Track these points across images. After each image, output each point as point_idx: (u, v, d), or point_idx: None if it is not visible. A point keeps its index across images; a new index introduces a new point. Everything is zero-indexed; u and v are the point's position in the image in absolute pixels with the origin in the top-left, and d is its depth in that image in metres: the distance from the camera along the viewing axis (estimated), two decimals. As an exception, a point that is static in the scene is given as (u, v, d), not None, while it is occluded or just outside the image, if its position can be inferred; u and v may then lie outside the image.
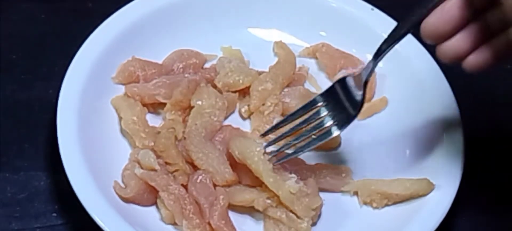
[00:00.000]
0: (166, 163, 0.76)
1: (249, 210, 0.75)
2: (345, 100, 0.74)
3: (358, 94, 0.73)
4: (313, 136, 0.75)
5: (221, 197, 0.74)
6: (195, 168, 0.77)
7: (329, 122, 0.74)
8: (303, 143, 0.75)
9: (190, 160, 0.77)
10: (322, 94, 0.76)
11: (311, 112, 0.75)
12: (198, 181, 0.75)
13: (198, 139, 0.78)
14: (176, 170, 0.76)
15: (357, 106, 0.73)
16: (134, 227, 0.70)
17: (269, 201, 0.74)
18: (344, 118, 0.74)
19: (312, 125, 0.75)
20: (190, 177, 0.75)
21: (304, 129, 0.75)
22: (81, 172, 0.72)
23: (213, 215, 0.73)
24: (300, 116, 0.76)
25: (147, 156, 0.75)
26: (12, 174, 0.77)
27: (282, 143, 0.76)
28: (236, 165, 0.77)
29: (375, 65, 0.73)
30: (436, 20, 0.66)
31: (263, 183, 0.74)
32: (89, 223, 0.70)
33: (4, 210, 0.75)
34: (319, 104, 0.75)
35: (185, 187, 0.75)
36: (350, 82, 0.74)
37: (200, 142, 0.77)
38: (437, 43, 0.67)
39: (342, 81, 0.75)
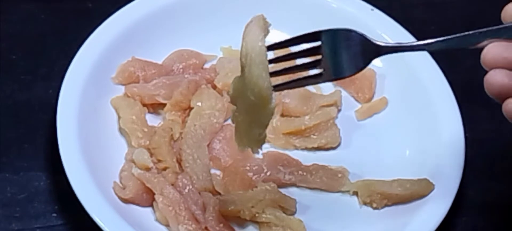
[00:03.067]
0: (158, 160, 0.76)
1: (238, 218, 0.75)
2: (346, 54, 0.66)
3: (363, 60, 0.67)
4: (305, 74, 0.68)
5: (212, 200, 0.74)
6: (182, 168, 0.77)
7: (321, 68, 0.67)
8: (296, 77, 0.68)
9: (181, 160, 0.77)
10: (326, 33, 0.67)
11: (310, 46, 0.67)
12: (181, 185, 0.75)
13: (194, 140, 0.78)
14: (166, 168, 0.76)
15: (355, 70, 0.67)
16: (134, 227, 0.70)
17: (254, 209, 0.74)
18: (337, 71, 0.67)
19: (305, 62, 0.68)
20: (176, 182, 0.75)
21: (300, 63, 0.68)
22: (81, 172, 0.72)
23: (210, 220, 0.73)
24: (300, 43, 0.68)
25: (142, 154, 0.75)
26: (12, 174, 0.77)
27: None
28: (225, 170, 0.78)
29: (401, 50, 0.68)
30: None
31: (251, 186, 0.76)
32: (89, 223, 0.70)
33: (4, 210, 0.75)
34: (319, 42, 0.66)
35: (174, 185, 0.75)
36: (361, 43, 0.67)
37: (194, 145, 0.78)
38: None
39: (353, 35, 0.66)
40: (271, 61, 0.64)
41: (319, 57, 0.66)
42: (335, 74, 0.67)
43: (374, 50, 0.67)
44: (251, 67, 0.62)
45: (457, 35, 0.65)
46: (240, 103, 0.66)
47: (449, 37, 0.65)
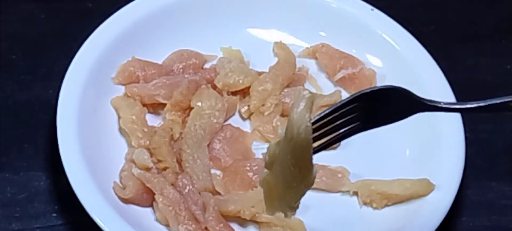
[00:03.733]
0: (158, 161, 0.76)
1: (239, 218, 0.75)
2: (387, 108, 0.66)
3: (405, 113, 0.66)
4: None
5: (212, 200, 0.74)
6: (182, 168, 0.77)
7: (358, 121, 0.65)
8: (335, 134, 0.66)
9: (181, 160, 0.77)
10: (369, 94, 0.65)
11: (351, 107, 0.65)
12: (181, 185, 0.75)
13: (194, 141, 0.78)
14: (166, 168, 0.76)
15: (395, 120, 0.66)
16: (134, 227, 0.70)
17: (254, 209, 0.74)
18: (375, 121, 0.66)
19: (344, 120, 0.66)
20: (176, 182, 0.75)
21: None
22: (81, 172, 0.72)
23: (210, 220, 0.73)
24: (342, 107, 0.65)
25: (142, 154, 0.75)
26: (12, 174, 0.77)
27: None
28: (225, 170, 0.78)
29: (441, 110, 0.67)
30: None
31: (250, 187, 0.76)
32: (89, 223, 0.70)
33: (4, 210, 0.75)
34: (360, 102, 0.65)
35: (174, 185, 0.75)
36: (406, 98, 0.65)
37: (194, 145, 0.78)
38: None
39: (397, 92, 0.65)
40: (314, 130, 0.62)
41: (357, 113, 0.65)
42: (373, 124, 0.66)
43: (417, 106, 0.66)
44: (296, 146, 0.61)
45: (502, 99, 0.65)
46: (277, 169, 0.64)
47: (494, 101, 0.65)
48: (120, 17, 0.84)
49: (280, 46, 0.88)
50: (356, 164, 0.80)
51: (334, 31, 0.89)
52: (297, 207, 0.66)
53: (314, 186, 0.78)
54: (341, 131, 0.65)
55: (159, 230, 0.73)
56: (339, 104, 0.65)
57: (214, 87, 0.83)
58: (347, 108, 0.65)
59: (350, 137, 0.66)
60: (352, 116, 0.65)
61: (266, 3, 0.89)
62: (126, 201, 0.74)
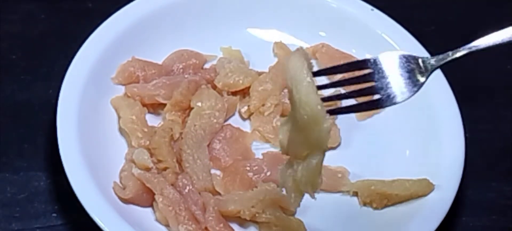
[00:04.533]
0: (158, 161, 0.76)
1: (239, 218, 0.75)
2: (399, 78, 0.66)
3: (418, 80, 0.66)
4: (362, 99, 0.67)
5: (212, 200, 0.74)
6: (182, 168, 0.77)
7: (377, 94, 0.65)
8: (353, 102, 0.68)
9: (181, 160, 0.77)
10: (372, 61, 0.67)
11: (361, 72, 0.66)
12: (181, 185, 0.75)
13: (194, 141, 0.78)
14: (166, 168, 0.76)
15: (411, 93, 0.66)
16: (134, 227, 0.70)
17: (254, 209, 0.74)
18: (391, 96, 0.66)
19: (361, 87, 0.67)
20: (176, 182, 0.75)
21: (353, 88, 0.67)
22: (81, 172, 0.72)
23: (210, 220, 0.73)
24: (350, 71, 0.68)
25: (142, 154, 0.75)
26: (12, 174, 0.77)
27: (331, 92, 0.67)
28: (225, 170, 0.78)
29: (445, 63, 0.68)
30: None
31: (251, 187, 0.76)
32: (89, 223, 0.70)
33: (4, 210, 0.75)
34: (370, 69, 0.66)
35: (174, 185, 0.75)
36: (413, 64, 0.66)
37: (194, 145, 0.78)
38: None
39: (404, 59, 0.66)
40: (320, 87, 0.63)
41: (372, 84, 0.65)
42: (395, 99, 0.66)
43: (428, 67, 0.67)
44: (298, 86, 0.60)
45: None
46: (293, 138, 0.63)
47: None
48: (120, 17, 0.84)
49: (280, 46, 0.88)
50: (356, 164, 0.80)
51: (334, 31, 0.89)
52: (320, 174, 0.66)
53: (314, 186, 0.78)
54: (363, 99, 0.66)
55: (159, 230, 0.73)
56: (343, 64, 0.66)
57: (214, 87, 0.83)
58: (357, 73, 0.66)
59: (376, 108, 0.67)
60: (368, 86, 0.65)
61: (266, 3, 0.89)
62: (126, 201, 0.74)
